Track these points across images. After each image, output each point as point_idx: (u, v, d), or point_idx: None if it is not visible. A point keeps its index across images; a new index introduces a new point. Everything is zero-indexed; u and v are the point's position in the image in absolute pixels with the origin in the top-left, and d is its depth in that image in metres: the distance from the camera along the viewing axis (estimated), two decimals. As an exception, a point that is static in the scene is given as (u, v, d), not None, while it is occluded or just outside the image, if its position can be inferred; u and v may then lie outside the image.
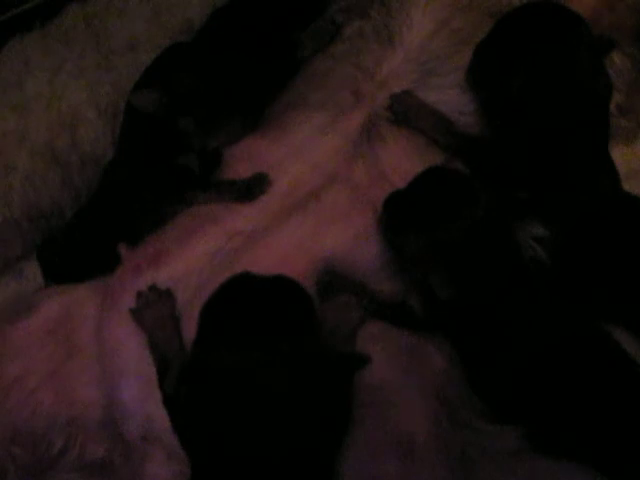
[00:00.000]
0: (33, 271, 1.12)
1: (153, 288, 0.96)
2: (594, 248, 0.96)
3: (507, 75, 0.98)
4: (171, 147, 1.06)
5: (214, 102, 1.05)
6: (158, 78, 1.05)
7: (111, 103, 1.14)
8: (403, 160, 1.03)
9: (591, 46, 0.98)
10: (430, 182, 0.93)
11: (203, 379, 0.76)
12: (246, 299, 0.79)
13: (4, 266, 1.13)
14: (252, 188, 1.03)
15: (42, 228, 1.14)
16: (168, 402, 0.87)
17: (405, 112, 1.04)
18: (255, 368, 0.74)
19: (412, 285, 0.96)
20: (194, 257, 1.00)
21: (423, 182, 0.93)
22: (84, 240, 1.08)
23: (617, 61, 1.15)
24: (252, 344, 0.75)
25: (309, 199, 1.02)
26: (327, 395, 0.77)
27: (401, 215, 0.92)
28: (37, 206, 1.11)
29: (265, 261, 0.97)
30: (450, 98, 1.07)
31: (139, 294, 0.96)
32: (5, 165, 1.08)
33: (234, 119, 1.09)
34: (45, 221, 1.13)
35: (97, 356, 0.97)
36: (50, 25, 1.15)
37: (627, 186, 1.02)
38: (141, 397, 0.93)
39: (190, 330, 0.86)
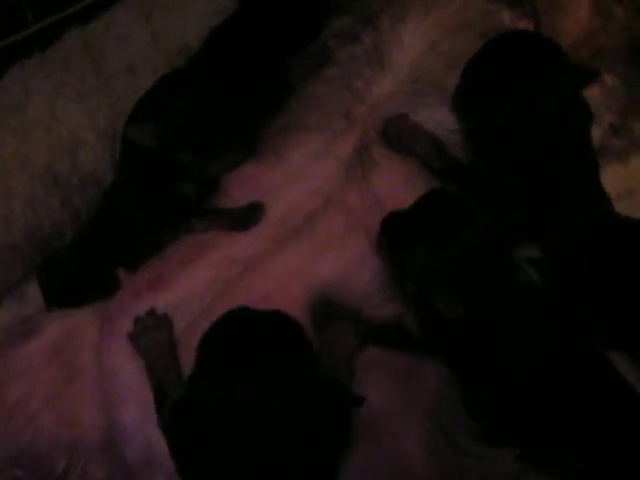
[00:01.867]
0: (34, 294, 1.13)
1: (151, 313, 0.97)
2: (587, 270, 0.96)
3: (485, 108, 1.00)
4: (168, 176, 1.07)
5: (211, 132, 1.06)
6: (153, 111, 1.05)
7: (110, 126, 1.15)
8: (396, 184, 1.04)
9: (567, 75, 1.00)
10: (432, 202, 0.94)
11: (198, 413, 0.77)
12: (243, 334, 0.79)
13: (5, 289, 1.14)
14: (247, 217, 1.05)
15: (43, 250, 1.14)
16: (165, 430, 0.87)
17: (399, 137, 1.05)
18: (250, 403, 0.75)
19: (410, 306, 0.97)
20: (193, 283, 1.01)
21: (425, 202, 0.94)
22: (84, 264, 1.10)
23: (608, 81, 1.16)
24: (248, 379, 0.76)
25: (304, 225, 1.03)
26: (322, 429, 0.77)
27: (404, 233, 0.93)
28: (38, 229, 1.12)
29: (262, 288, 0.98)
30: (440, 117, 1.07)
31: (137, 319, 0.96)
32: (6, 189, 1.09)
33: (231, 147, 1.10)
34: (46, 243, 1.14)
35: (98, 380, 0.98)
36: (50, 50, 1.16)
37: (621, 204, 1.02)
38: (141, 421, 0.94)
39: (188, 356, 0.88)
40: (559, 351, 0.90)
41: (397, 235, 0.94)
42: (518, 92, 0.98)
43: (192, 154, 1.06)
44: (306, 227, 1.03)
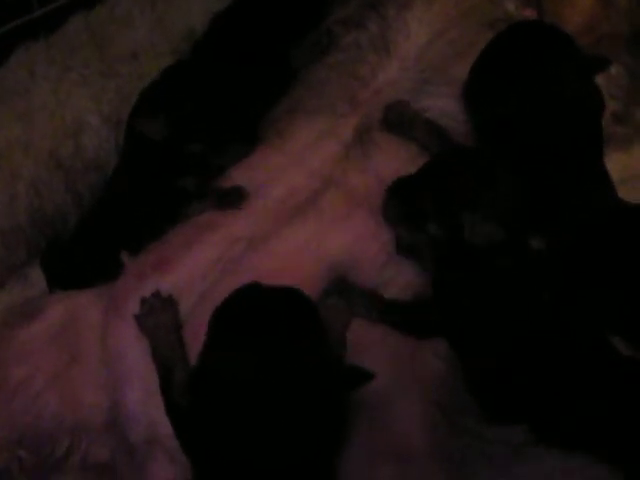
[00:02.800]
0: (38, 276, 1.13)
1: (156, 295, 0.97)
2: (590, 258, 0.97)
3: (497, 98, 1.00)
4: (171, 168, 1.08)
5: (219, 121, 1.08)
6: (160, 103, 1.07)
7: (114, 110, 1.16)
8: (398, 166, 1.04)
9: (581, 66, 1.00)
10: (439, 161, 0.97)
11: (209, 388, 0.77)
12: (254, 310, 0.79)
13: (9, 271, 1.14)
14: (232, 198, 1.05)
15: (46, 233, 1.15)
16: (170, 409, 0.88)
17: (399, 122, 1.06)
18: (261, 379, 0.74)
19: (425, 267, 0.97)
20: (197, 264, 1.01)
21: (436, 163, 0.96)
22: (87, 247, 1.10)
23: (612, 69, 1.16)
24: (259, 355, 0.75)
25: (307, 204, 1.04)
26: (330, 406, 0.77)
27: (412, 188, 0.95)
28: (41, 212, 1.13)
29: (266, 266, 0.98)
30: (445, 106, 1.08)
31: (142, 301, 0.97)
32: (10, 173, 1.09)
33: (239, 137, 1.11)
34: (49, 226, 1.15)
35: (101, 361, 0.99)
36: (55, 35, 1.17)
37: (623, 191, 1.03)
38: (145, 402, 0.94)
39: (193, 337, 0.89)
40: (560, 328, 0.90)
41: (409, 183, 0.95)
42: (530, 82, 0.99)
43: (202, 145, 1.07)
44: (308, 206, 1.04)
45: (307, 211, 1.03)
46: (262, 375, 0.75)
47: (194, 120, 1.07)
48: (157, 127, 1.04)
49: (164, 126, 1.05)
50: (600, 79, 1.10)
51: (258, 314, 0.79)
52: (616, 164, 1.08)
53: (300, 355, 0.76)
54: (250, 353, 0.76)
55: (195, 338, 0.91)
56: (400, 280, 0.99)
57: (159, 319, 0.95)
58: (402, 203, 0.97)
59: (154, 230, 1.07)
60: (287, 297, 0.80)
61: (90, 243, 1.11)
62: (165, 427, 0.89)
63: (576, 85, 1.00)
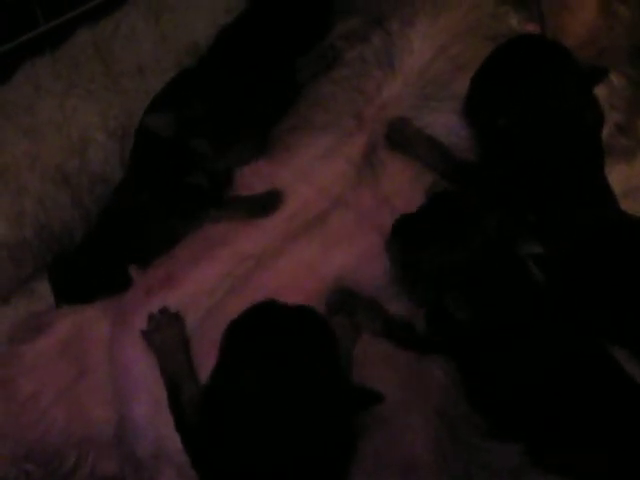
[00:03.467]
0: (44, 290, 1.14)
1: (164, 311, 0.98)
2: (589, 267, 0.97)
3: (497, 111, 1.00)
4: (182, 167, 1.08)
5: (225, 123, 1.08)
6: (170, 102, 1.08)
7: (120, 125, 1.17)
8: (404, 184, 1.05)
9: (579, 79, 1.01)
10: (440, 205, 0.96)
11: (222, 406, 0.77)
12: (269, 328, 0.79)
13: (16, 285, 1.15)
14: (265, 203, 1.06)
15: (53, 248, 1.15)
16: (180, 426, 0.88)
17: (401, 140, 1.06)
18: (273, 399, 0.75)
19: (419, 305, 0.98)
20: (205, 280, 1.02)
21: (433, 204, 0.96)
22: (94, 261, 1.10)
23: (615, 81, 1.17)
24: (273, 374, 0.76)
25: (315, 222, 1.04)
26: (340, 426, 0.78)
27: (414, 236, 0.94)
28: (48, 227, 1.13)
29: (272, 284, 0.99)
30: (448, 121, 1.08)
31: (150, 317, 0.98)
32: (17, 188, 1.10)
33: (243, 140, 1.11)
34: (56, 241, 1.15)
35: (109, 375, 0.99)
36: (60, 50, 1.18)
37: (626, 202, 1.03)
38: (152, 416, 0.95)
39: (199, 352, 0.89)
40: (563, 347, 0.91)
41: (407, 238, 0.95)
42: (529, 95, 0.99)
43: (207, 142, 1.07)
44: (316, 224, 1.04)
45: (314, 229, 1.04)
46: (274, 395, 0.75)
47: (201, 117, 1.07)
48: (164, 122, 1.05)
49: (171, 122, 1.05)
50: (602, 90, 1.10)
51: (272, 333, 0.79)
52: (618, 175, 1.08)
53: (313, 376, 0.76)
54: (263, 372, 0.76)
55: (201, 353, 0.93)
56: (400, 304, 0.99)
57: (166, 335, 0.95)
58: (401, 250, 0.97)
59: (164, 241, 1.07)
60: (302, 316, 0.81)
61: (97, 256, 1.11)
62: (173, 442, 0.89)
63: (574, 97, 1.00)
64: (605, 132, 1.12)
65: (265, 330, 0.79)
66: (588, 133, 1.02)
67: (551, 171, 1.00)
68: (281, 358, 0.77)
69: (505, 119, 0.99)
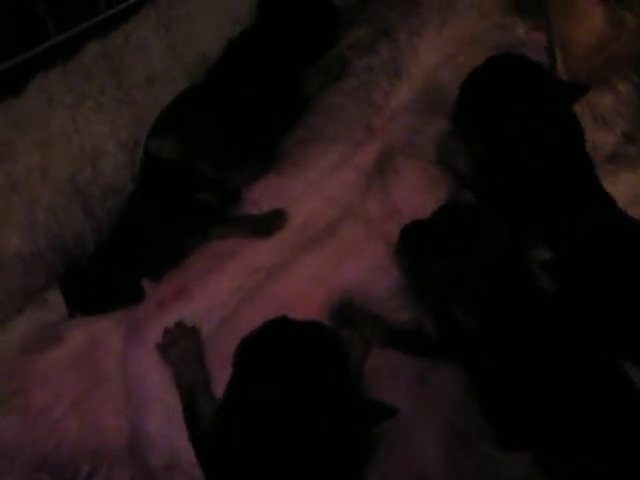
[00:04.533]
0: (57, 301, 1.14)
1: (180, 325, 0.99)
2: (597, 272, 0.98)
3: (478, 127, 1.02)
4: (189, 186, 1.09)
5: (230, 146, 1.09)
6: (174, 124, 1.08)
7: (131, 136, 1.17)
8: (414, 194, 1.06)
9: (556, 94, 1.02)
10: (450, 214, 0.96)
11: (236, 421, 0.78)
12: (282, 345, 0.80)
13: (28, 296, 1.15)
14: (270, 223, 1.07)
15: (65, 258, 1.16)
16: (195, 439, 0.89)
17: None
18: (286, 416, 0.76)
19: (428, 313, 0.98)
20: (216, 293, 1.03)
21: (443, 214, 0.96)
22: (107, 272, 1.11)
23: (621, 89, 1.18)
24: (286, 390, 0.77)
25: (324, 233, 1.05)
26: (354, 440, 0.79)
27: (423, 243, 0.95)
28: (60, 237, 1.14)
29: (284, 295, 1.00)
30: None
31: (166, 330, 0.98)
32: (30, 199, 1.10)
33: (249, 161, 1.12)
34: (68, 251, 1.16)
35: (122, 386, 1.00)
36: (71, 62, 1.18)
37: (633, 210, 1.04)
38: (166, 428, 0.95)
39: (214, 365, 0.90)
40: (575, 358, 0.91)
41: (416, 245, 0.96)
42: (510, 110, 1.00)
43: (211, 167, 1.08)
44: (326, 235, 1.05)
45: (323, 240, 1.05)
46: (287, 411, 0.76)
47: (204, 142, 1.07)
48: (168, 147, 1.06)
49: (175, 146, 1.06)
50: (609, 99, 1.12)
51: (284, 349, 0.80)
52: (625, 183, 1.09)
53: (326, 392, 0.77)
54: (276, 388, 0.77)
55: (215, 366, 0.93)
56: (409, 312, 1.00)
57: (182, 349, 0.96)
58: (409, 257, 0.98)
59: (176, 254, 1.08)
60: (312, 332, 0.82)
61: (110, 267, 1.12)
62: (186, 454, 0.90)
63: (551, 110, 1.02)
64: (612, 140, 1.14)
65: (277, 347, 0.80)
66: (571, 142, 1.03)
67: (540, 179, 1.01)
68: (293, 375, 0.78)
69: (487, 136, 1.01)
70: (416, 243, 0.96)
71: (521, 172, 1.02)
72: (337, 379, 0.79)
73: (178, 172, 1.07)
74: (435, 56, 1.13)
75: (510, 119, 1.00)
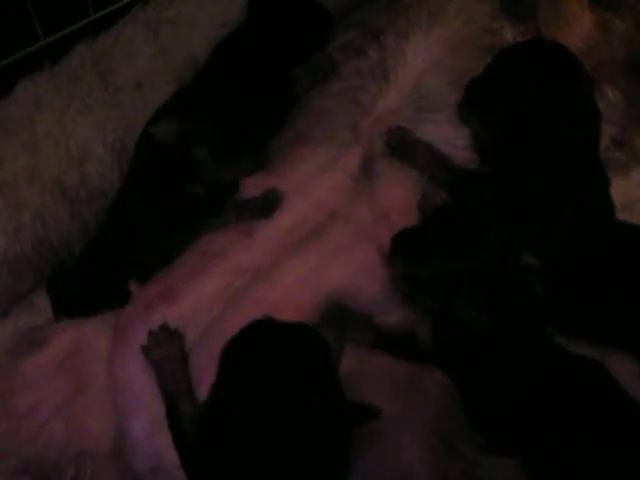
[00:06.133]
0: (43, 303, 1.15)
1: (164, 327, 0.99)
2: (586, 276, 0.98)
3: (500, 110, 1.02)
4: (181, 177, 1.09)
5: (224, 135, 1.10)
6: (172, 113, 1.09)
7: (118, 139, 1.17)
8: (401, 196, 1.06)
9: (586, 80, 1.02)
10: (442, 218, 0.96)
11: (219, 423, 0.78)
12: (267, 346, 0.80)
13: (15, 299, 1.15)
14: (267, 204, 1.07)
15: (52, 261, 1.16)
16: (178, 442, 0.89)
17: (401, 146, 1.07)
18: (270, 417, 0.75)
19: (422, 318, 0.99)
20: (203, 294, 1.03)
21: (435, 218, 0.96)
22: (93, 274, 1.11)
23: (611, 95, 1.18)
24: (270, 391, 0.77)
25: (312, 235, 1.05)
26: (336, 442, 0.78)
27: (415, 249, 0.95)
28: (47, 240, 1.13)
29: (271, 297, 1.00)
30: (444, 133, 1.10)
31: (150, 333, 0.98)
32: (16, 202, 1.10)
33: (244, 154, 1.12)
34: (55, 254, 1.16)
35: (107, 389, 1.00)
36: (59, 65, 1.18)
37: (623, 216, 1.05)
38: (150, 431, 0.95)
39: (198, 367, 0.90)
40: (560, 362, 0.91)
41: (408, 251, 0.96)
42: (532, 94, 1.01)
43: (207, 150, 1.09)
44: (314, 237, 1.05)
45: (311, 242, 1.04)
46: (271, 412, 0.75)
47: (203, 127, 1.09)
48: (171, 130, 1.07)
49: (176, 130, 1.07)
50: (599, 104, 1.11)
51: (270, 351, 0.80)
52: (615, 189, 1.08)
53: (310, 393, 0.77)
54: (261, 389, 0.77)
55: (201, 367, 0.93)
56: (397, 316, 1.00)
57: (166, 352, 0.96)
58: (405, 263, 0.98)
59: (163, 255, 1.08)
60: (298, 333, 0.81)
61: (96, 270, 1.12)
62: (171, 457, 0.89)
63: (582, 98, 1.02)
64: (601, 146, 1.13)
65: (262, 348, 0.80)
66: (592, 132, 1.03)
67: (552, 173, 1.01)
68: (278, 376, 0.77)
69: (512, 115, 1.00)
70: (408, 251, 0.96)
71: (529, 160, 1.01)
72: (321, 380, 0.79)
73: (171, 161, 1.08)
74: (423, 60, 1.12)
75: (524, 102, 1.00)
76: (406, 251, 0.97)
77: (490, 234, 0.93)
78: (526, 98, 1.01)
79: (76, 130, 1.15)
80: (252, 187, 1.11)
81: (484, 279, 0.92)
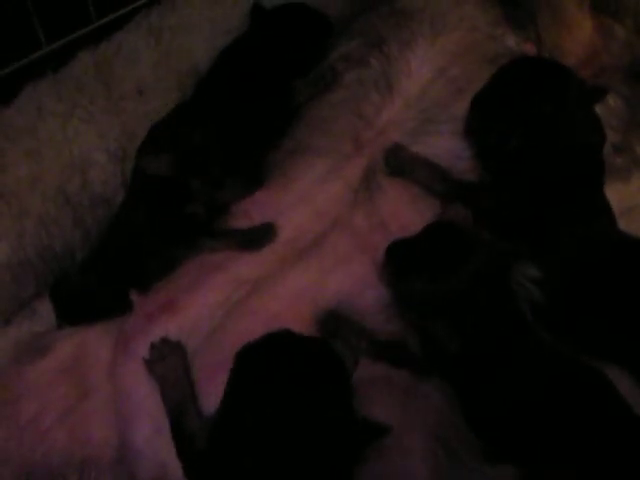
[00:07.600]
0: (46, 311, 1.14)
1: (165, 340, 0.99)
2: (589, 288, 0.98)
3: (502, 130, 1.01)
4: (178, 200, 1.09)
5: (221, 163, 1.09)
6: (165, 141, 1.09)
7: (120, 146, 1.17)
8: (401, 208, 1.06)
9: (582, 98, 1.02)
10: (434, 233, 0.96)
11: (230, 437, 0.78)
12: (282, 360, 0.80)
13: (17, 306, 1.15)
14: (259, 237, 1.07)
15: (54, 268, 1.16)
16: (183, 454, 0.89)
17: (399, 165, 1.07)
18: (281, 432, 0.75)
19: (411, 331, 0.99)
20: (204, 306, 1.03)
21: (428, 233, 0.96)
22: (96, 281, 1.11)
23: (611, 101, 1.18)
24: (284, 405, 0.77)
25: (312, 246, 1.05)
26: (346, 459, 0.79)
27: (406, 263, 0.95)
28: (50, 247, 1.14)
29: (272, 308, 1.00)
30: (448, 144, 1.09)
31: (152, 346, 0.98)
32: (19, 209, 1.10)
33: (239, 178, 1.12)
34: (57, 261, 1.16)
35: (110, 397, 1.00)
36: (62, 72, 1.18)
37: (622, 222, 1.05)
38: (153, 440, 0.95)
39: (201, 377, 0.90)
40: (559, 371, 0.91)
41: (400, 264, 0.96)
42: (531, 114, 1.00)
43: (202, 184, 1.09)
44: (314, 248, 1.05)
45: (311, 253, 1.05)
46: (283, 428, 0.76)
47: (195, 159, 1.09)
48: (160, 164, 1.06)
49: (167, 163, 1.06)
50: (599, 110, 1.11)
51: (285, 365, 0.79)
52: (614, 195, 1.09)
53: (323, 410, 0.77)
54: (275, 404, 0.77)
55: (202, 378, 0.94)
56: (396, 325, 1.00)
57: (168, 365, 0.96)
58: (393, 276, 0.98)
59: (164, 265, 1.09)
60: (317, 348, 0.81)
61: (99, 278, 1.12)
62: (173, 467, 0.90)
63: (578, 117, 1.02)
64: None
65: (277, 363, 0.80)
66: (592, 149, 1.03)
67: (552, 189, 1.01)
68: (293, 390, 0.77)
69: (515, 139, 1.00)
70: (400, 263, 0.96)
71: (530, 175, 1.01)
72: (336, 398, 0.79)
73: (168, 186, 1.08)
74: (426, 69, 1.12)
75: (524, 122, 1.00)
76: (397, 263, 0.97)
77: (481, 254, 0.93)
78: (531, 114, 1.01)
79: (79, 137, 1.15)
80: (250, 202, 1.12)
81: (467, 300, 0.91)
